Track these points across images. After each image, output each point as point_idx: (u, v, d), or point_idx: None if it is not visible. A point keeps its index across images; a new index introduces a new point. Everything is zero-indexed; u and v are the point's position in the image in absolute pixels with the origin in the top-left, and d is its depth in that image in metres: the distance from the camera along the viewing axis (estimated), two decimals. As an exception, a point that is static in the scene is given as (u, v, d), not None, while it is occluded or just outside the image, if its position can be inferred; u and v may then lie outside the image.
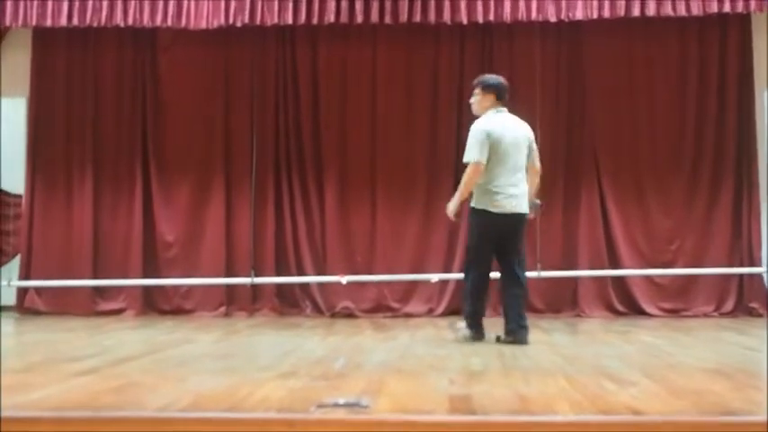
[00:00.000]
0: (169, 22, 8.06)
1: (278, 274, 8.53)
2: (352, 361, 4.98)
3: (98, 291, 8.61)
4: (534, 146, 6.00)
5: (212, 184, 8.63)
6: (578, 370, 4.48)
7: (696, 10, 7.88)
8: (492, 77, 6.07)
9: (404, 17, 7.98)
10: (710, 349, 5.78)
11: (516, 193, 5.81)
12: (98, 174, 8.68)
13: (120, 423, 3.09)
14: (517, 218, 5.84)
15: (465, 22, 7.98)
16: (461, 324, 6.00)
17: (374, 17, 8.00)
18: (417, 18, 7.99)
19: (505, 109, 5.95)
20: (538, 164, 6.01)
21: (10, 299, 8.62)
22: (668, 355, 5.34)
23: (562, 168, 8.43)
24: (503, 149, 5.77)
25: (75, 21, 8.06)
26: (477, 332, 5.88)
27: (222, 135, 8.68)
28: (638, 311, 8.28)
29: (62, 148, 8.71)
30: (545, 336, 6.51)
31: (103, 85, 8.75)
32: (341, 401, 3.33)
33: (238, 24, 8.05)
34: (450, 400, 3.56)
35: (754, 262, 8.26)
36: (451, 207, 5.95)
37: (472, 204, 5.90)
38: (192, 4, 8.00)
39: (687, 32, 8.48)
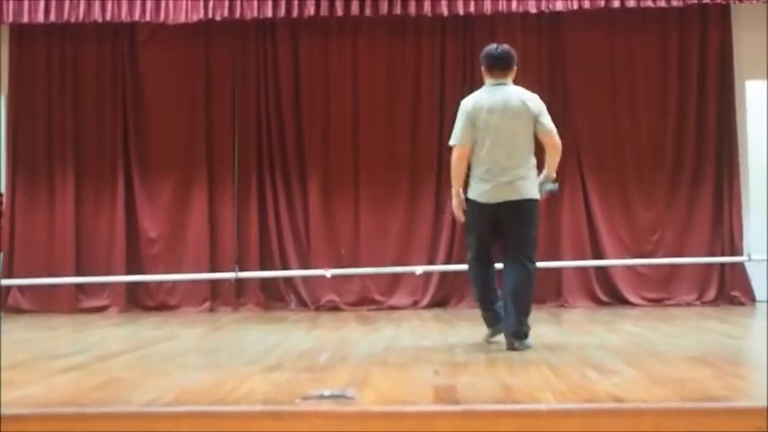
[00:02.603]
0: (147, 17, 8.03)
1: (262, 269, 8.52)
2: (338, 354, 5.00)
3: (82, 288, 8.57)
4: (541, 117, 5.16)
5: (195, 179, 8.59)
6: (562, 360, 4.51)
7: (676, 1, 7.93)
8: (485, 48, 5.36)
9: (384, 10, 7.98)
10: (693, 338, 5.82)
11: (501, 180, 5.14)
12: (80, 171, 8.63)
13: (106, 419, 3.09)
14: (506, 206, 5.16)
15: (446, 14, 7.99)
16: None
17: (354, 10, 8.00)
18: (398, 11, 8.00)
19: (506, 81, 5.24)
20: (549, 138, 5.17)
21: (-7, 297, 8.59)
22: (651, 344, 5.38)
23: (544, 159, 8.43)
24: (483, 128, 5.13)
25: (53, 17, 8.01)
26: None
27: (204, 130, 8.65)
28: (622, 301, 8.33)
29: (43, 145, 8.65)
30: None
31: (83, 81, 8.70)
32: (326, 393, 3.34)
33: (218, 18, 8.03)
34: (435, 391, 3.58)
35: (735, 251, 8.31)
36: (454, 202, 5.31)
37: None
38: (171, -2, 7.98)
39: (667, 24, 8.50)
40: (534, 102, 5.20)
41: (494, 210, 5.15)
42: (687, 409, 3.09)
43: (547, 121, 5.17)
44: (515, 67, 5.32)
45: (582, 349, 5.01)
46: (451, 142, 5.26)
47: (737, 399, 3.41)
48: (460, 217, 5.32)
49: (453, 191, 5.28)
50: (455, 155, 5.22)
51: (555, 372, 4.03)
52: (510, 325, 5.05)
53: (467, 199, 5.27)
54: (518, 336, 5.01)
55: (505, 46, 5.34)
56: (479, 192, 5.17)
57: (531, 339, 5.10)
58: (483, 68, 5.32)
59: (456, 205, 5.30)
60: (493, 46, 5.35)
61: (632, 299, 8.32)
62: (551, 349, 5.02)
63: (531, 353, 4.88)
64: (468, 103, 5.24)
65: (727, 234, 8.37)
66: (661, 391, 3.53)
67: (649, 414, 3.02)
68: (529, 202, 5.19)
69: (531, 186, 5.20)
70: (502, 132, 5.12)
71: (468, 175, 5.24)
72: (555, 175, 5.32)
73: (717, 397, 3.39)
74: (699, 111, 8.50)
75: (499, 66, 5.24)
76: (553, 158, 5.26)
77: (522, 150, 5.18)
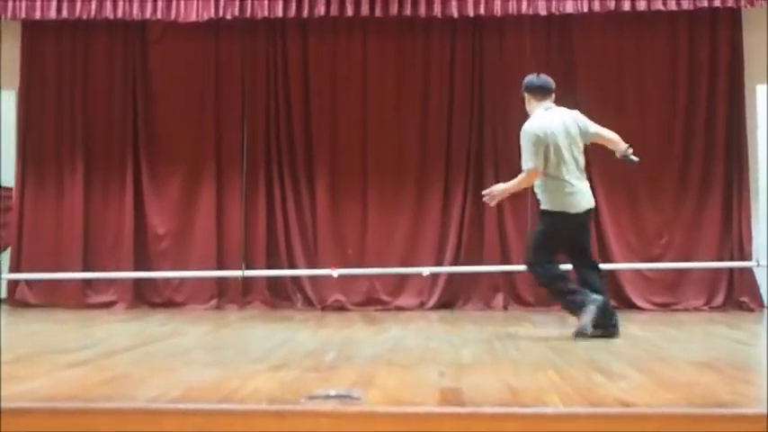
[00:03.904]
0: (159, 15, 8.04)
1: (269, 267, 8.53)
2: (343, 353, 4.99)
3: (89, 283, 8.59)
4: (591, 127, 5.91)
5: (203, 176, 8.61)
6: (568, 363, 4.50)
7: (686, 4, 7.90)
8: (527, 78, 5.98)
9: (394, 10, 7.98)
10: (700, 343, 5.81)
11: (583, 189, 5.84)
12: (89, 166, 8.66)
13: (111, 414, 3.09)
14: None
15: (456, 15, 7.98)
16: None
17: (364, 10, 7.99)
18: (408, 11, 7.99)
19: (552, 105, 5.90)
20: (606, 134, 5.97)
21: (0, 291, 8.61)
22: (658, 349, 5.37)
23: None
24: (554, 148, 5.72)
25: (65, 13, 8.04)
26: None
27: (213, 128, 8.67)
28: (629, 305, 8.30)
29: (53, 140, 8.68)
30: (535, 329, 6.54)
31: (94, 77, 8.73)
32: (332, 393, 3.34)
33: (228, 17, 8.04)
34: (441, 393, 3.57)
35: (744, 256, 8.28)
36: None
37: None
38: (182, -4, 7.99)
39: (677, 28, 8.48)
40: (582, 119, 5.91)
41: (580, 218, 5.81)
42: (694, 414, 3.08)
43: (596, 127, 5.94)
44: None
45: (588, 352, 4.99)
46: (529, 166, 5.69)
47: (745, 404, 3.39)
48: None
49: (514, 188, 5.91)
50: (528, 176, 5.75)
51: (561, 375, 4.01)
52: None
53: (553, 212, 5.75)
54: None
55: (543, 75, 5.95)
56: (570, 203, 5.74)
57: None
58: (529, 97, 5.88)
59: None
60: (533, 76, 5.93)
61: (639, 303, 8.30)
62: (558, 352, 5.01)
63: (538, 355, 4.88)
64: (537, 130, 5.71)
65: (735, 239, 8.34)
66: (668, 395, 3.52)
67: (655, 418, 3.01)
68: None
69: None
70: (568, 149, 5.72)
71: (541, 190, 5.81)
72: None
73: (724, 402, 3.37)
74: (708, 114, 8.47)
75: (547, 91, 5.87)
76: (616, 140, 5.97)
77: (582, 164, 5.84)
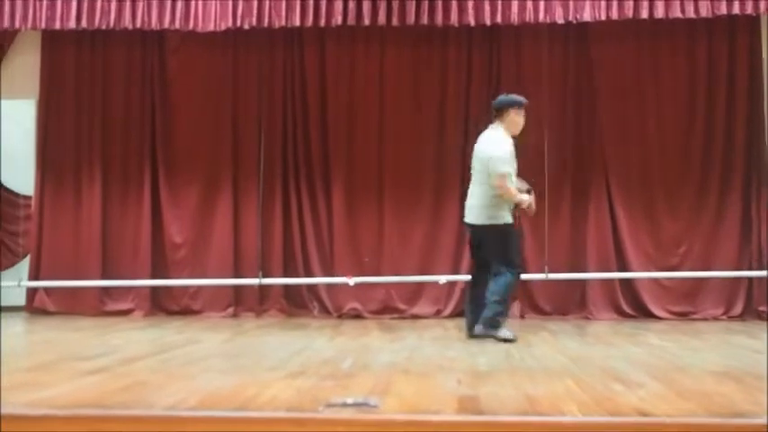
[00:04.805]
0: (177, 25, 8.07)
1: (285, 276, 8.54)
2: (360, 361, 4.99)
3: (107, 291, 8.64)
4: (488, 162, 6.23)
5: (220, 185, 8.64)
6: (586, 371, 4.48)
7: (705, 11, 7.84)
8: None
9: (411, 19, 7.97)
10: (719, 352, 5.77)
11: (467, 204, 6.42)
12: (107, 175, 8.71)
13: (129, 421, 3.11)
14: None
15: (472, 23, 7.96)
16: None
17: (381, 19, 7.99)
18: (425, 20, 7.98)
19: (495, 125, 6.35)
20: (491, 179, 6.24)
21: (20, 299, 8.67)
22: (676, 358, 5.34)
23: (570, 171, 8.43)
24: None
25: (84, 23, 8.08)
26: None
27: (230, 136, 8.70)
28: (647, 314, 8.26)
29: (71, 149, 8.74)
30: (552, 337, 6.52)
31: (112, 86, 8.78)
32: (350, 401, 3.34)
33: (246, 27, 8.06)
34: (459, 401, 3.57)
35: (763, 265, 8.22)
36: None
37: None
38: (200, 6, 8.01)
39: (696, 34, 8.45)
40: (485, 145, 6.30)
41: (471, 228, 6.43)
42: (713, 424, 3.06)
43: (492, 163, 6.19)
44: (507, 111, 6.28)
45: (606, 361, 4.98)
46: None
47: (764, 414, 3.36)
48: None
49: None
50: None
51: (579, 383, 4.01)
52: None
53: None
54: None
55: (501, 96, 6.46)
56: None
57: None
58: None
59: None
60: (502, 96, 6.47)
61: (657, 312, 8.26)
62: (575, 361, 4.99)
63: (555, 364, 4.86)
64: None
65: (754, 248, 8.28)
66: (686, 404, 3.50)
67: (675, 428, 3.00)
68: None
69: None
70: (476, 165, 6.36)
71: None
72: None
73: (743, 412, 3.35)
74: (727, 122, 8.43)
75: (494, 111, 6.37)
76: None
77: (480, 183, 6.30)
